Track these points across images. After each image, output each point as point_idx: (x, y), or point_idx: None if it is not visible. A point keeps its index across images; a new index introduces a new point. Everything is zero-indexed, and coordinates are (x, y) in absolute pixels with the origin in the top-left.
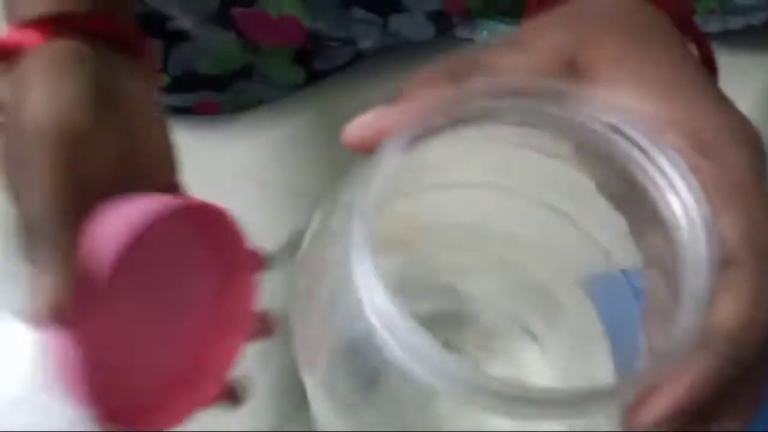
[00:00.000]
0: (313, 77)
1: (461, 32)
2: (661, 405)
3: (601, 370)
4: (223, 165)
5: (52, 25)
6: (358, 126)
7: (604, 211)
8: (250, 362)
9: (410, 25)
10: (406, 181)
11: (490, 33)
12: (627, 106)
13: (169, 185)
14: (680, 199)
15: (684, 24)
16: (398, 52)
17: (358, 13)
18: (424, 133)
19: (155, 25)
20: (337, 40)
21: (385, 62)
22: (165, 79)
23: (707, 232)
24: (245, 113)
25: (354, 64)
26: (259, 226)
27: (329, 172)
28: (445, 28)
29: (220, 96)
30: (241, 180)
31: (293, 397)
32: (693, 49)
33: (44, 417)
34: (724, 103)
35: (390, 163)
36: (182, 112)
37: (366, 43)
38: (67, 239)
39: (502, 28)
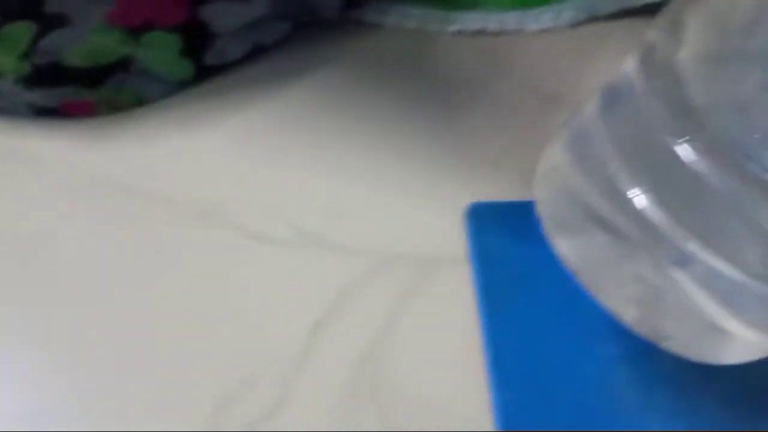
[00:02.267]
0: (204, 73)
1: (369, 16)
2: None
3: None
4: (97, 177)
5: None
6: None
7: None
8: None
9: None
10: None
11: (399, 18)
12: None
13: None
14: None
15: None
16: (300, 46)
17: None
18: None
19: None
20: None
21: (286, 58)
22: (25, 68)
23: None
24: (124, 115)
25: (251, 59)
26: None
27: (220, 182)
28: (353, 2)
29: (92, 94)
30: (122, 192)
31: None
32: None
33: None
34: None
35: None
36: (48, 113)
37: (261, 7)
38: None
39: (414, 13)
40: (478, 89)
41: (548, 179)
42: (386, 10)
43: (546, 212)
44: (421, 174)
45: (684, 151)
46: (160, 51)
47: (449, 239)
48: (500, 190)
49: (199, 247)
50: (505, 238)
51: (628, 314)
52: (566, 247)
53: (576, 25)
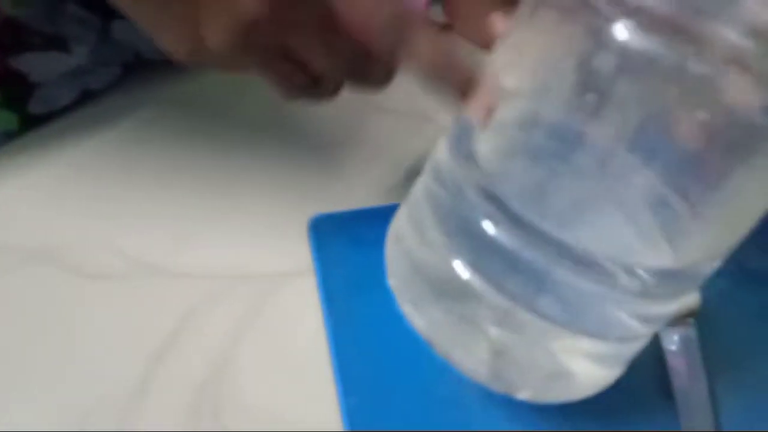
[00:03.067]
0: (31, 121)
1: None
2: None
3: None
4: None
5: None
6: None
7: None
8: None
9: (135, 34)
10: None
11: None
12: None
13: None
14: None
15: None
16: (132, 85)
17: (73, 9)
18: None
19: None
20: (42, 36)
21: (118, 98)
22: None
23: None
24: None
25: (80, 106)
26: None
27: (51, 226)
28: None
29: None
30: None
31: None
32: None
33: None
34: None
35: None
36: None
37: (81, 49)
38: None
39: None
40: (320, 108)
41: (396, 248)
42: None
43: (396, 285)
44: (261, 194)
45: (489, 226)
46: None
47: (294, 253)
48: (344, 201)
49: (33, 290)
50: (347, 246)
51: (481, 375)
52: (417, 318)
53: None
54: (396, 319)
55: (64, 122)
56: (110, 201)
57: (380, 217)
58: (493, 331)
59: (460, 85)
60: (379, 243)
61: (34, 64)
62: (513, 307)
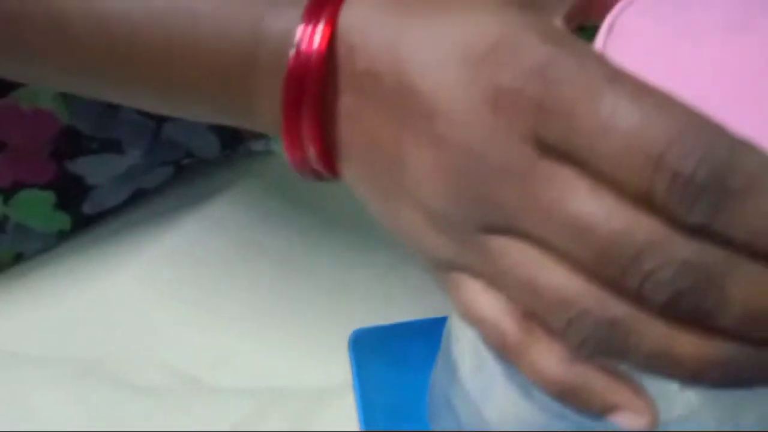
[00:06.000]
0: (83, 221)
1: (255, 145)
2: None
3: None
4: None
5: None
6: None
7: None
8: None
9: (188, 134)
10: None
11: None
12: None
13: None
14: None
15: None
16: (183, 185)
17: (127, 115)
18: None
19: None
20: (98, 140)
21: (169, 199)
22: None
23: None
24: (2, 273)
25: (131, 206)
26: None
27: (97, 337)
28: (233, 142)
29: None
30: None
31: None
32: None
33: None
34: None
35: None
36: None
37: (135, 151)
38: None
39: None
40: (366, 217)
41: None
42: (273, 136)
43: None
44: (304, 307)
45: None
46: (33, 208)
47: (335, 369)
48: (388, 313)
49: (75, 406)
50: (388, 363)
51: None
52: None
53: None
54: None
55: (116, 224)
56: (154, 312)
57: (424, 332)
58: None
59: None
60: (422, 360)
61: (89, 167)
62: None
